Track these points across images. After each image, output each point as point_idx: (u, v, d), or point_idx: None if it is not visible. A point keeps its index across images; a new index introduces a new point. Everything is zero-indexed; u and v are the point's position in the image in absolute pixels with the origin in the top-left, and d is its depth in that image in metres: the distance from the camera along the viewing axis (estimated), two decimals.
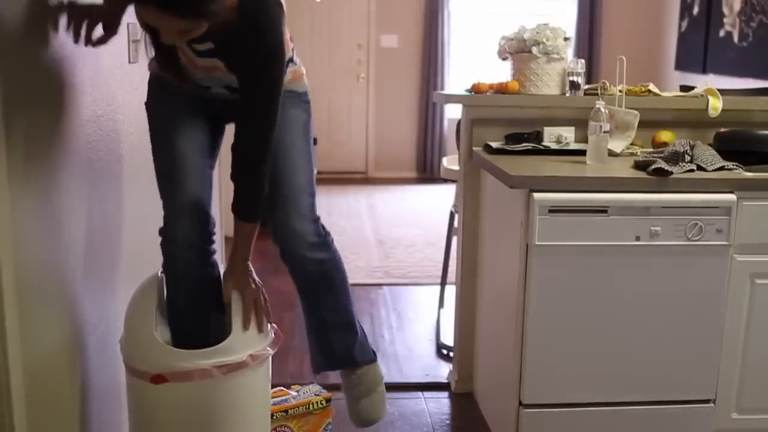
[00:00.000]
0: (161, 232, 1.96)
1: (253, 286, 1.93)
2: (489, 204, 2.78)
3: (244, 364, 1.81)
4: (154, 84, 2.04)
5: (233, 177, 1.86)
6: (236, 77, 1.84)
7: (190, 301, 1.97)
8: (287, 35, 1.95)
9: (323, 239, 2.10)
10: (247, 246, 1.94)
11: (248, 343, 1.85)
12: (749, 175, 2.39)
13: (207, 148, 2.02)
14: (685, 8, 6.98)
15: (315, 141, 2.09)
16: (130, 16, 2.27)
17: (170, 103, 2.00)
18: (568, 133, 2.77)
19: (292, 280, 2.16)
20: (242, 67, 1.81)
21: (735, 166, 2.44)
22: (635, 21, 7.66)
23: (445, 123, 7.75)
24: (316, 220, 2.09)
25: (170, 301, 1.98)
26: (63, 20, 1.70)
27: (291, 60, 2.03)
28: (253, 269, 1.97)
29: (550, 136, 2.77)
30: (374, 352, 2.35)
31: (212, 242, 2.01)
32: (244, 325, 1.84)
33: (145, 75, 2.46)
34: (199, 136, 1.99)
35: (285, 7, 1.82)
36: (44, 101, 1.59)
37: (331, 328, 2.22)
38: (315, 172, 2.11)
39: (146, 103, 2.04)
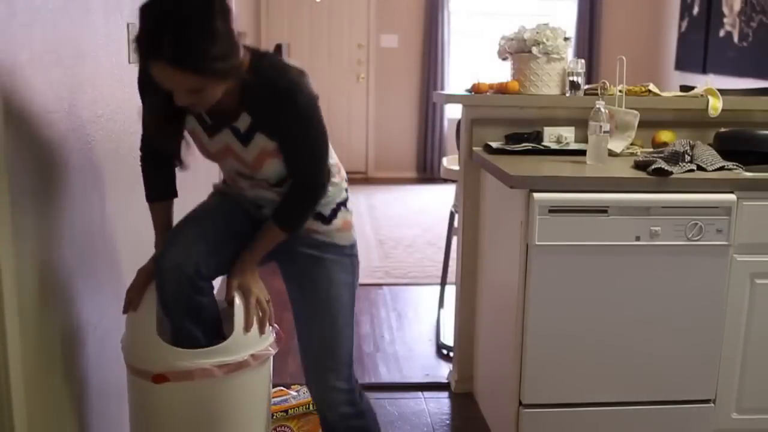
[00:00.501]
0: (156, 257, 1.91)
1: (258, 287, 1.91)
2: (489, 204, 2.78)
3: (245, 363, 1.81)
4: (219, 191, 2.06)
5: (289, 191, 1.86)
6: (268, 134, 1.79)
7: (182, 320, 1.90)
8: (342, 173, 1.98)
9: (357, 409, 2.06)
10: (263, 249, 1.92)
11: (249, 343, 1.84)
12: (749, 175, 2.39)
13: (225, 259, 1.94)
14: (685, 8, 6.98)
15: None
16: (129, 16, 2.28)
17: (219, 200, 2.02)
18: (568, 133, 2.77)
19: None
20: (270, 123, 1.78)
21: (735, 166, 2.44)
22: (635, 21, 7.65)
23: (445, 123, 7.75)
24: (353, 390, 2.05)
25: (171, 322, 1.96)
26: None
27: (345, 203, 2.01)
28: (257, 270, 1.95)
29: (550, 136, 2.77)
30: None
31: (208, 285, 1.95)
32: (246, 327, 1.84)
33: None
34: (237, 226, 1.95)
35: (306, 75, 1.79)
36: (45, 101, 1.59)
37: None
38: (354, 330, 2.07)
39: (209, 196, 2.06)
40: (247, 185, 1.93)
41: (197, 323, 1.86)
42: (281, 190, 1.90)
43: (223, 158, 1.88)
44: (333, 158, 1.96)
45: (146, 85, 1.74)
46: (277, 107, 1.73)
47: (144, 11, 1.54)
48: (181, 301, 1.84)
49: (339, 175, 2.00)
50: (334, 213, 1.98)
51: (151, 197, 1.95)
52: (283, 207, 1.88)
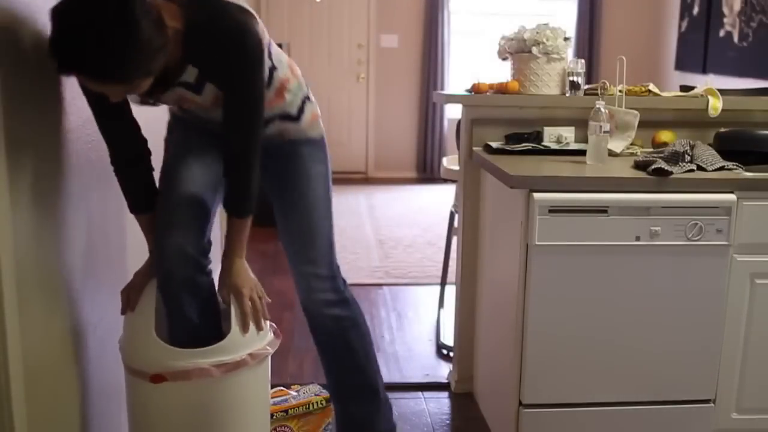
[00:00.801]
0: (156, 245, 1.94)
1: (249, 286, 1.90)
2: (489, 204, 2.78)
3: (243, 363, 1.81)
4: (171, 120, 2.08)
5: (224, 174, 1.86)
6: (218, 86, 1.79)
7: (184, 311, 1.96)
8: (286, 65, 1.98)
9: (341, 296, 2.11)
10: (240, 243, 1.90)
11: (247, 342, 1.84)
12: (749, 175, 2.39)
13: (213, 182, 2.00)
14: (685, 8, 6.98)
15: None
16: None
17: (182, 136, 2.03)
18: (568, 133, 2.77)
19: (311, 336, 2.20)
20: (218, 75, 1.76)
21: (735, 166, 2.44)
22: (635, 21, 7.66)
23: (445, 123, 7.75)
24: (335, 277, 2.11)
25: (166, 310, 1.98)
26: None
27: (308, 98, 2.07)
28: (248, 267, 1.94)
29: (550, 136, 2.77)
30: (395, 426, 2.33)
31: (207, 256, 2.00)
32: (242, 330, 1.83)
33: None
34: (206, 171, 1.98)
35: (254, 13, 1.77)
36: (44, 101, 1.59)
37: (350, 392, 2.22)
38: (332, 222, 2.12)
39: (165, 139, 2.08)
40: (202, 113, 1.93)
41: (197, 307, 1.90)
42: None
43: (182, 103, 1.89)
44: (286, 68, 1.96)
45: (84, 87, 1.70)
46: (222, 56, 1.71)
47: (56, 17, 1.45)
48: (186, 284, 1.90)
49: (293, 74, 2.00)
50: (301, 109, 2.03)
51: (133, 208, 1.95)
52: (230, 197, 1.87)
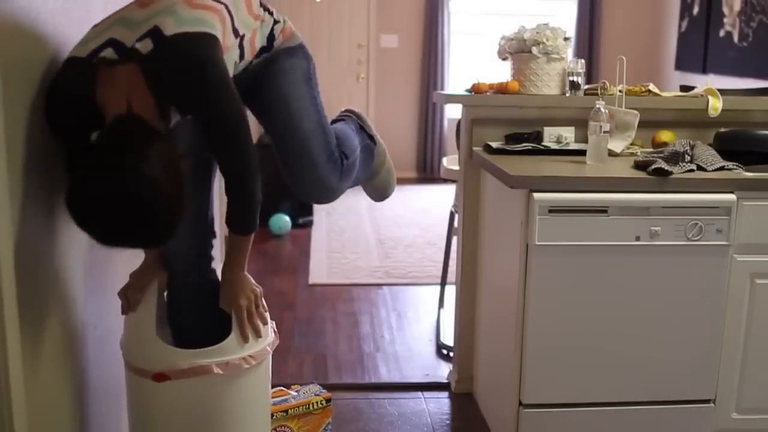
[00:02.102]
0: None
1: (247, 298, 1.87)
2: (489, 204, 2.78)
3: (244, 362, 1.82)
4: None
5: (225, 192, 1.82)
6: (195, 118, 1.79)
7: (190, 310, 1.98)
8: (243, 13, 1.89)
9: (342, 169, 2.06)
10: (241, 258, 1.88)
11: (248, 342, 1.85)
12: (749, 175, 2.39)
13: (205, 166, 2.02)
14: (685, 8, 6.98)
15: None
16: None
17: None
18: (568, 133, 2.77)
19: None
20: (189, 109, 1.75)
21: (735, 166, 2.44)
22: (635, 21, 7.66)
23: (445, 123, 7.75)
24: (331, 156, 2.03)
25: (171, 309, 2.00)
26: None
27: (275, 22, 1.99)
28: (249, 277, 1.92)
29: (550, 136, 2.77)
30: (371, 138, 2.29)
31: (210, 253, 2.03)
32: (242, 341, 1.83)
33: None
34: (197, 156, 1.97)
35: (209, 30, 1.72)
36: (44, 101, 1.59)
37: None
38: (324, 114, 2.04)
39: None
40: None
41: (200, 308, 1.93)
42: None
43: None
44: (248, 21, 1.90)
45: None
46: (184, 94, 1.68)
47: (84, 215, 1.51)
48: (190, 290, 1.95)
49: (256, 18, 1.93)
50: (271, 36, 1.97)
51: None
52: (232, 215, 1.83)
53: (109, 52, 1.62)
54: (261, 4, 1.97)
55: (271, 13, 1.99)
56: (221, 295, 1.90)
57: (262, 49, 1.97)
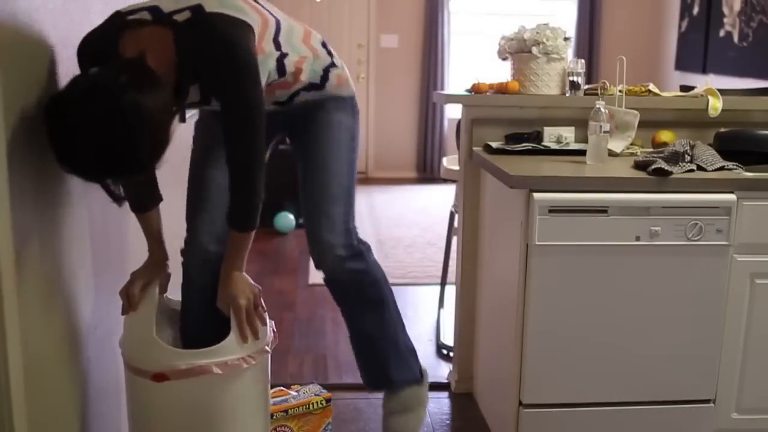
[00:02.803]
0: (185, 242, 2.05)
1: (245, 297, 1.87)
2: (489, 204, 2.79)
3: (243, 362, 1.82)
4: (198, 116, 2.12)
5: (229, 186, 1.84)
6: (216, 98, 1.81)
7: (204, 311, 1.99)
8: (318, 37, 2.00)
9: (355, 250, 2.06)
10: (240, 257, 1.88)
11: (247, 342, 1.85)
12: (749, 175, 2.39)
13: None
14: (685, 8, 6.98)
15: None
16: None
17: (207, 125, 2.06)
18: (568, 133, 2.77)
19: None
20: (214, 88, 1.79)
21: (735, 166, 2.44)
22: (635, 21, 7.66)
23: (445, 123, 7.75)
24: (349, 230, 2.04)
25: (185, 309, 2.02)
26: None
27: (333, 64, 2.05)
28: (248, 277, 1.91)
29: (550, 136, 2.77)
30: (421, 373, 2.28)
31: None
32: (240, 340, 1.82)
33: None
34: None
35: (248, 21, 1.77)
36: (45, 101, 1.59)
37: (367, 343, 2.18)
38: (354, 180, 2.07)
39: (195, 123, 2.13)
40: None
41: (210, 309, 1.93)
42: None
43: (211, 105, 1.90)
44: (299, 48, 1.94)
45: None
46: (214, 71, 1.71)
47: (52, 125, 1.49)
48: (204, 290, 1.96)
49: (310, 49, 1.98)
50: (325, 76, 2.01)
51: (135, 208, 1.97)
52: (233, 210, 1.84)
53: (144, 14, 1.69)
54: (324, 44, 2.02)
55: (330, 55, 2.05)
56: (219, 293, 1.89)
57: (312, 85, 2.00)
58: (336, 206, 2.01)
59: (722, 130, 2.71)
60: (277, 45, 1.89)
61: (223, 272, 1.89)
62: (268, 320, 1.94)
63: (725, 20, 6.26)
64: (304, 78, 1.98)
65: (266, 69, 1.86)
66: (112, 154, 1.50)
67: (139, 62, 1.63)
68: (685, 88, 3.04)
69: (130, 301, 1.88)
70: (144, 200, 1.96)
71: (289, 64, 1.94)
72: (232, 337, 1.82)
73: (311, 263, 4.93)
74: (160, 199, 1.99)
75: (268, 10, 1.91)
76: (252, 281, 1.91)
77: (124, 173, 1.57)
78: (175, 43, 1.69)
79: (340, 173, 2.01)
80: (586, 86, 2.92)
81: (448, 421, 2.85)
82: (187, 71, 1.73)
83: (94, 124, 1.47)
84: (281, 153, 3.09)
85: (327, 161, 2.00)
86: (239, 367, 1.81)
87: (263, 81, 1.83)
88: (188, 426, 1.84)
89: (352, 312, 2.17)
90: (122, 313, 1.89)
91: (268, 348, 1.91)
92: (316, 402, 2.45)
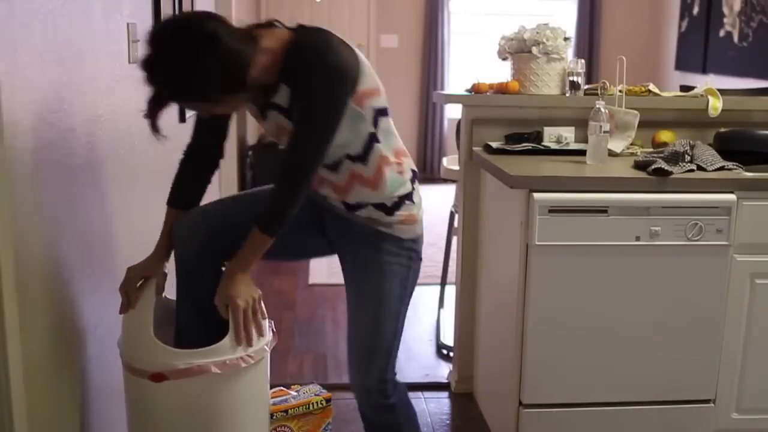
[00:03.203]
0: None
1: (244, 299, 1.83)
2: (489, 204, 2.78)
3: (242, 361, 1.82)
4: None
5: (273, 188, 1.83)
6: (298, 100, 1.81)
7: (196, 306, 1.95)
8: (410, 166, 1.98)
9: (387, 402, 2.04)
10: (249, 259, 1.84)
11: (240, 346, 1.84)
12: (749, 175, 2.39)
13: (296, 244, 2.03)
14: (685, 8, 6.98)
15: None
16: (129, 16, 2.28)
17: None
18: (568, 133, 2.77)
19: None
20: (299, 88, 1.79)
21: (735, 166, 2.44)
22: (635, 21, 7.66)
23: (445, 123, 7.75)
24: (385, 381, 2.02)
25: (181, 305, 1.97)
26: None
27: (410, 196, 1.97)
28: (249, 281, 1.87)
29: (550, 136, 2.77)
30: None
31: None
32: (237, 341, 1.80)
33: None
34: (297, 233, 1.97)
35: (356, 53, 1.84)
36: (44, 102, 1.59)
37: None
38: (400, 329, 2.03)
39: None
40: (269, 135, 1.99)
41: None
42: (338, 178, 1.91)
43: (280, 138, 1.90)
44: (391, 149, 1.94)
45: None
46: (304, 67, 1.74)
47: (148, 40, 1.62)
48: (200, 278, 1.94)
49: (400, 166, 1.96)
50: (397, 205, 1.94)
51: (172, 201, 1.97)
52: (263, 209, 1.82)
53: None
54: (413, 171, 2.00)
55: (413, 184, 1.99)
56: (218, 290, 1.85)
57: (382, 206, 1.94)
58: (375, 360, 1.99)
59: (722, 130, 2.71)
60: (375, 122, 1.88)
61: (227, 271, 1.85)
62: (266, 321, 1.93)
63: (725, 20, 6.26)
64: (383, 190, 1.93)
65: (355, 117, 1.84)
66: (181, 69, 1.60)
67: (243, 28, 1.73)
68: (685, 88, 3.04)
69: (129, 298, 1.87)
70: (185, 198, 1.97)
71: (375, 154, 1.90)
72: (231, 336, 1.81)
73: (311, 263, 4.94)
74: (197, 204, 2.00)
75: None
76: (253, 285, 1.88)
77: (184, 94, 1.66)
78: (288, 42, 1.77)
79: (385, 329, 1.98)
80: (586, 86, 2.92)
81: (448, 421, 2.85)
82: (287, 67, 1.78)
83: (175, 35, 1.62)
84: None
85: (376, 316, 1.97)
86: (238, 367, 1.81)
87: (351, 132, 1.85)
88: (187, 426, 1.83)
89: None
90: (120, 312, 1.89)
91: (267, 347, 1.91)
92: (316, 402, 2.45)
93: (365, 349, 1.99)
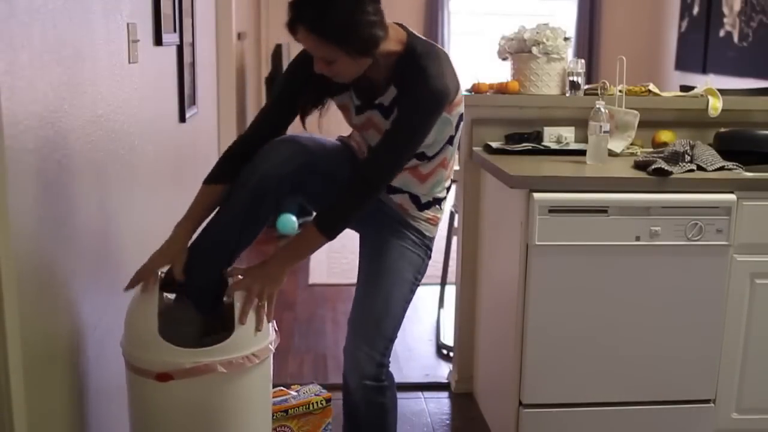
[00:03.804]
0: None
1: (265, 284, 1.86)
2: (489, 204, 2.78)
3: (247, 361, 1.82)
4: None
5: (339, 191, 1.87)
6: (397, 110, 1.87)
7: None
8: (449, 175, 2.06)
9: (380, 385, 2.07)
10: (299, 254, 1.93)
11: (250, 341, 1.85)
12: (749, 175, 2.39)
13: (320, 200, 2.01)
14: (685, 8, 6.98)
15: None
16: (129, 16, 2.28)
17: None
18: (568, 133, 2.77)
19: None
20: (402, 102, 1.86)
21: (735, 166, 2.44)
22: (635, 21, 7.65)
23: None
24: (382, 365, 2.06)
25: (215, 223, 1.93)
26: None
27: (440, 200, 2.08)
28: (282, 273, 1.90)
29: (550, 136, 2.77)
30: None
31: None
32: (241, 319, 1.81)
33: (145, 75, 2.46)
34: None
35: (455, 73, 1.90)
36: (44, 102, 1.59)
37: None
38: (404, 313, 2.08)
39: None
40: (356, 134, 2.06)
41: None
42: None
43: (365, 129, 1.99)
44: (453, 154, 2.06)
45: (301, 65, 1.93)
46: (414, 80, 1.82)
47: None
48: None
49: (450, 172, 2.09)
50: (429, 204, 2.05)
51: (211, 179, 1.95)
52: (327, 210, 1.89)
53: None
54: (453, 180, 2.13)
55: (448, 192, 2.11)
56: (247, 269, 1.88)
57: (416, 199, 2.04)
58: (380, 341, 2.03)
59: (722, 130, 2.71)
60: (457, 127, 1.98)
61: (265, 263, 1.88)
62: (269, 323, 1.93)
63: (725, 20, 6.26)
64: (429, 182, 2.03)
65: (448, 122, 1.94)
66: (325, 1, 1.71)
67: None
68: (685, 88, 3.04)
69: (144, 280, 1.84)
70: (225, 175, 1.93)
71: (441, 155, 2.01)
72: (236, 335, 1.81)
73: (311, 263, 4.94)
74: (232, 180, 1.93)
75: None
76: (282, 279, 1.89)
77: (319, 28, 1.72)
78: (406, 48, 1.87)
79: (395, 313, 2.03)
80: (586, 86, 2.92)
81: (448, 421, 2.85)
82: (399, 70, 1.87)
83: None
84: None
85: (389, 296, 2.01)
86: (243, 366, 1.81)
87: (439, 133, 1.93)
88: (191, 425, 1.83)
89: (354, 429, 2.18)
90: (127, 288, 1.85)
91: (271, 347, 1.91)
92: (316, 402, 2.45)
93: (373, 325, 2.01)
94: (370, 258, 2.06)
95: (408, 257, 2.03)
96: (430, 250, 2.09)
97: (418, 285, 2.08)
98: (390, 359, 2.08)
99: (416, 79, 1.81)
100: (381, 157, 1.87)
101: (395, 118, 1.85)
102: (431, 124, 1.85)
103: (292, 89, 1.97)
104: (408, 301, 2.06)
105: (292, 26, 1.74)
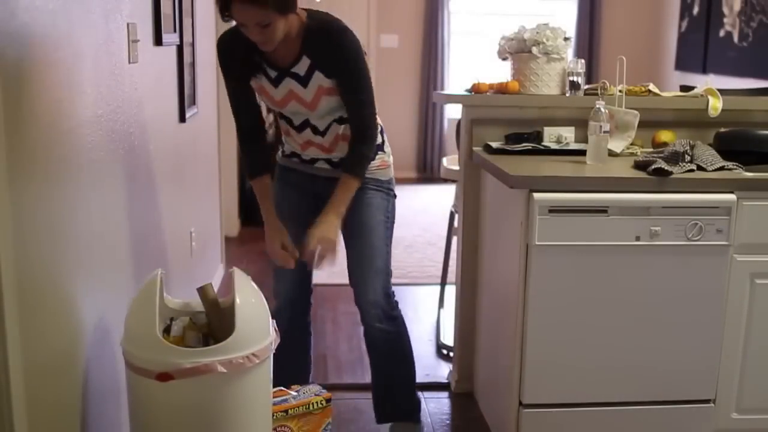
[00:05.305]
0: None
1: (330, 239, 2.22)
2: (489, 204, 2.78)
3: (247, 360, 1.82)
4: (279, 175, 2.49)
5: (352, 141, 2.28)
6: (327, 74, 2.19)
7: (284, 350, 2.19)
8: (378, 122, 2.37)
9: (391, 314, 2.44)
10: (344, 201, 2.25)
11: (250, 342, 1.85)
12: (749, 175, 2.39)
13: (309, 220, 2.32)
14: (685, 8, 6.98)
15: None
16: (129, 16, 2.28)
17: (285, 194, 2.46)
18: (568, 133, 2.77)
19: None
20: (328, 63, 2.18)
21: (735, 166, 2.44)
22: (635, 21, 7.66)
23: (445, 123, 7.75)
24: (388, 295, 2.42)
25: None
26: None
27: (381, 148, 2.40)
28: (338, 226, 2.26)
29: (550, 136, 2.77)
30: (420, 419, 2.66)
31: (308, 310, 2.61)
32: (315, 265, 2.24)
33: (145, 75, 2.46)
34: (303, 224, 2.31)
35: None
36: (44, 101, 1.59)
37: (386, 389, 2.60)
38: (391, 253, 2.44)
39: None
40: (300, 140, 2.35)
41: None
42: (325, 139, 2.32)
43: (287, 103, 2.26)
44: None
45: (228, 55, 2.26)
46: (332, 46, 2.16)
47: None
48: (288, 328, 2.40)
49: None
50: (373, 156, 2.36)
51: (252, 174, 2.38)
52: (351, 159, 2.27)
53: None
54: (382, 130, 2.44)
55: (383, 136, 2.43)
56: (315, 227, 2.22)
57: None
58: (379, 277, 2.38)
59: (722, 130, 2.71)
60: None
61: (324, 213, 2.24)
62: (271, 322, 1.94)
63: (725, 20, 6.26)
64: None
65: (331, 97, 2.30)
66: None
67: None
68: (685, 88, 3.04)
69: (287, 253, 2.30)
70: (259, 167, 2.37)
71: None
72: (236, 335, 1.81)
73: None
74: (270, 168, 2.40)
75: None
76: (338, 229, 2.27)
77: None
78: (306, 21, 2.18)
79: (381, 251, 2.39)
80: (586, 86, 2.92)
81: (448, 421, 2.85)
82: (307, 41, 2.17)
83: None
84: None
85: (371, 241, 2.37)
86: (243, 366, 1.81)
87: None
88: (192, 425, 1.83)
89: (380, 362, 2.54)
90: (278, 266, 2.36)
91: (271, 347, 1.91)
92: (316, 402, 2.45)
93: (370, 269, 2.37)
94: (346, 218, 2.33)
95: (375, 204, 2.38)
96: (391, 189, 2.45)
97: (393, 221, 2.45)
98: (393, 292, 2.44)
99: (333, 41, 2.17)
100: (365, 104, 2.25)
101: (347, 77, 2.19)
102: (363, 58, 2.20)
103: (236, 76, 2.29)
104: (389, 237, 2.42)
105: (226, 4, 1.99)
